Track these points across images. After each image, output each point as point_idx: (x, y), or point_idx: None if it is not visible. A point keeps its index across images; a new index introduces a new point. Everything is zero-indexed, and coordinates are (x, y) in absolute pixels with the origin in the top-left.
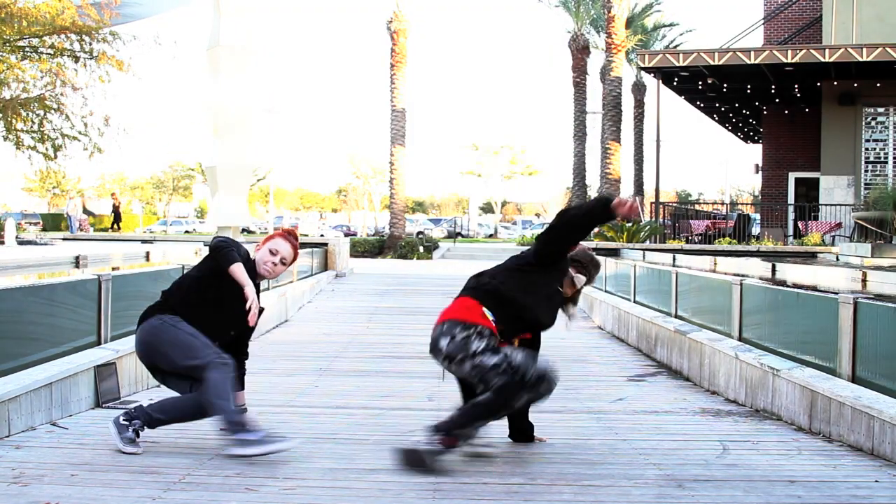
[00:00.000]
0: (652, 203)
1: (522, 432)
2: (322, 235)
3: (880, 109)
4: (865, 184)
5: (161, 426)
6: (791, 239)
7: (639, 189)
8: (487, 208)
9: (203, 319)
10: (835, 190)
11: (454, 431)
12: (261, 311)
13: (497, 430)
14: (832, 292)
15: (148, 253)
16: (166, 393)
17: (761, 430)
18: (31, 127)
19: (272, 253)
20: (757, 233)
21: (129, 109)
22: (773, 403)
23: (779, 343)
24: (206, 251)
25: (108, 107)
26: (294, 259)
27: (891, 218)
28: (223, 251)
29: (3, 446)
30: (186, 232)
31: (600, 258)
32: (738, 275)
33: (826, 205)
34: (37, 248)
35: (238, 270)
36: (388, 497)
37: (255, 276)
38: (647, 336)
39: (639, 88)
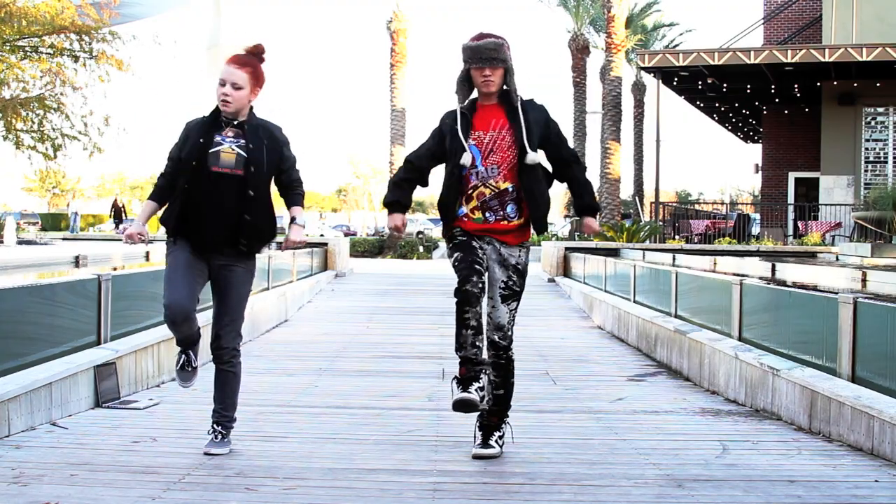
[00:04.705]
0: (652, 203)
1: None
2: (322, 235)
3: (880, 109)
4: (865, 184)
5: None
6: (791, 239)
7: (639, 189)
8: None
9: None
10: (835, 190)
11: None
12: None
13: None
14: (832, 292)
15: (148, 253)
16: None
17: (761, 429)
18: (31, 127)
19: (221, 84)
20: (757, 233)
21: (129, 109)
22: (773, 403)
23: (779, 343)
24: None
25: (108, 106)
26: (253, 74)
27: (891, 218)
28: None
29: (3, 446)
30: None
31: None
32: (737, 275)
33: (826, 205)
34: (37, 247)
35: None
36: (388, 497)
37: (219, 126)
38: (646, 336)
39: (639, 88)
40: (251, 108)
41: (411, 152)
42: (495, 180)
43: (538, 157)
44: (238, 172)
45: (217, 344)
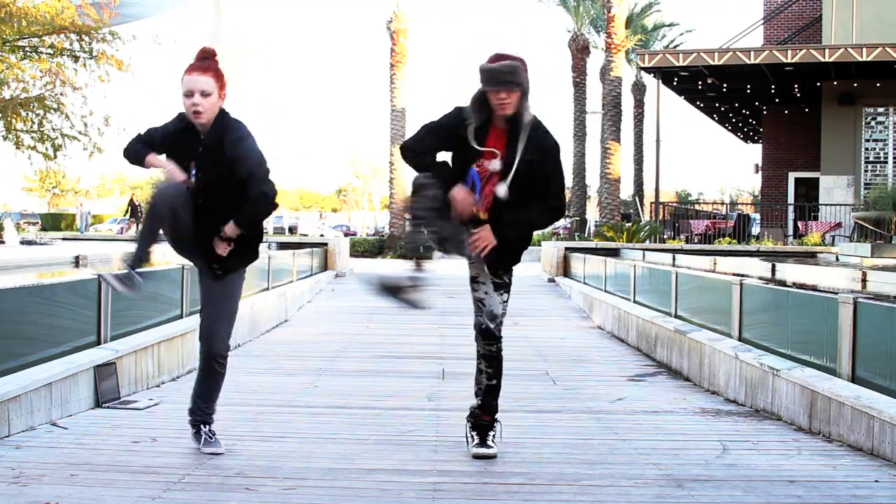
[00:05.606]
0: (652, 203)
1: None
2: (322, 235)
3: (880, 109)
4: (865, 184)
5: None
6: (791, 239)
7: (639, 189)
8: None
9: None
10: (835, 190)
11: None
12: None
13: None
14: (832, 292)
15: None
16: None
17: (761, 430)
18: (31, 127)
19: (188, 95)
20: (757, 233)
21: (129, 109)
22: (773, 403)
23: (779, 343)
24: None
25: (108, 106)
26: (216, 77)
27: (890, 218)
28: (128, 154)
29: (3, 446)
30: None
31: None
32: (737, 275)
33: (826, 205)
34: (37, 247)
35: (152, 159)
36: (388, 497)
37: (198, 143)
38: (646, 336)
39: (639, 88)
40: (219, 112)
41: (410, 139)
42: (481, 209)
43: (505, 191)
44: (199, 201)
45: (208, 349)
